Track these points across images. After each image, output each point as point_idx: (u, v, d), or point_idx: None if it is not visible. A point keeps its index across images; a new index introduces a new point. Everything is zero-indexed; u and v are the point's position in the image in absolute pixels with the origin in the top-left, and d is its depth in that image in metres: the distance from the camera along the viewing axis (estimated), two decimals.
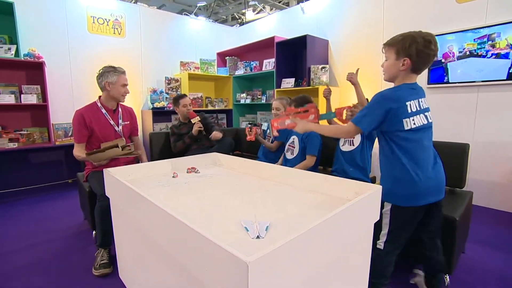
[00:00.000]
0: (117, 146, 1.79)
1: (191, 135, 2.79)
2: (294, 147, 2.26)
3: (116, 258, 1.64)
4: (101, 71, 1.99)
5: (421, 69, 1.22)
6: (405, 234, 1.28)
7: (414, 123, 1.19)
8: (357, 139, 1.98)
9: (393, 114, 1.18)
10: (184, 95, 2.98)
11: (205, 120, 2.98)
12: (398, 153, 1.20)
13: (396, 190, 1.23)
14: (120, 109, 2.14)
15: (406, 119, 1.19)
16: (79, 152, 1.97)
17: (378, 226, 1.24)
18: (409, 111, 1.19)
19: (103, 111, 2.04)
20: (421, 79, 2.91)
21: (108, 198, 1.57)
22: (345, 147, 2.04)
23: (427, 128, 1.23)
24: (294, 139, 2.27)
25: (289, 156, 2.29)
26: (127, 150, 1.89)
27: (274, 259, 0.62)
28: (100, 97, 2.07)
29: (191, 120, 2.81)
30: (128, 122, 2.20)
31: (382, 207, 1.23)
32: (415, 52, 1.15)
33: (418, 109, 1.21)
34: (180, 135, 2.88)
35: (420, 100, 1.22)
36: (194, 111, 2.94)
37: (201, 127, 2.79)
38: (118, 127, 2.09)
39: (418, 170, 1.19)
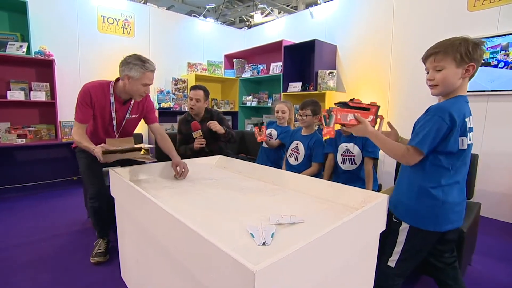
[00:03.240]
0: (140, 149, 1.63)
1: (192, 148, 2.36)
2: (298, 153, 2.19)
3: (113, 250, 1.66)
4: (128, 59, 1.67)
5: (474, 75, 1.09)
6: (418, 259, 1.18)
7: (468, 143, 1.07)
8: (359, 158, 1.91)
9: (454, 131, 1.03)
10: (195, 87, 2.43)
11: (230, 140, 2.41)
12: (439, 172, 1.07)
13: (420, 211, 1.10)
14: (132, 102, 1.87)
15: (463, 137, 1.05)
16: (79, 134, 1.69)
17: (391, 243, 1.17)
18: (467, 128, 1.06)
19: (112, 99, 1.77)
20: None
21: (100, 199, 1.63)
22: (346, 166, 1.96)
23: (470, 148, 1.12)
24: (298, 144, 2.20)
25: (292, 161, 2.21)
26: (143, 156, 1.69)
27: (280, 268, 0.61)
28: (117, 81, 1.79)
29: (193, 133, 2.30)
30: (137, 116, 1.94)
31: (399, 223, 1.16)
32: (480, 57, 1.03)
33: (471, 126, 1.09)
34: (187, 135, 2.42)
35: (471, 117, 1.10)
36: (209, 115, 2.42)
37: (202, 144, 2.30)
38: (117, 121, 1.85)
39: (454, 193, 1.09)
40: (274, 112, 2.56)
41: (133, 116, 1.91)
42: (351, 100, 1.22)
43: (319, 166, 2.10)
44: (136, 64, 1.65)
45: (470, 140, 1.09)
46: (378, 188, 2.08)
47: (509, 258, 1.97)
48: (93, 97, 1.73)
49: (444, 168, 1.07)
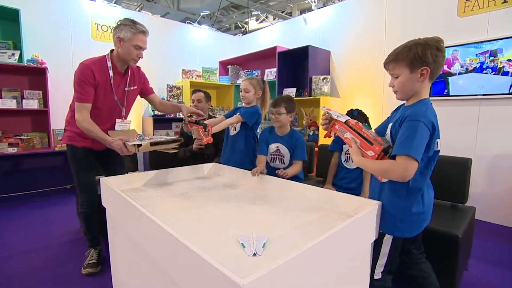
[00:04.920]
0: (171, 141, 1.59)
1: (191, 149, 2.42)
2: (283, 156, 1.99)
3: (105, 261, 1.63)
4: (118, 22, 1.65)
5: (437, 75, 1.07)
6: (400, 260, 1.20)
7: (439, 144, 1.07)
8: None
9: (433, 136, 1.01)
10: (196, 90, 2.57)
11: (220, 136, 2.38)
12: (421, 178, 1.05)
13: (406, 220, 1.08)
14: (129, 73, 1.77)
15: (438, 139, 1.05)
16: (88, 121, 1.58)
17: (374, 254, 1.14)
18: (438, 129, 1.06)
19: (111, 73, 1.66)
20: None
21: (92, 205, 1.66)
22: (350, 163, 1.97)
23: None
24: (279, 147, 1.99)
25: (278, 165, 2.01)
26: (171, 147, 1.64)
27: (269, 280, 0.59)
28: (111, 52, 1.70)
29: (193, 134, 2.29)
30: (135, 88, 1.84)
31: (382, 235, 1.13)
32: (431, 57, 1.01)
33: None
34: (187, 138, 2.38)
35: None
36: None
37: (201, 145, 2.36)
38: (119, 95, 1.74)
39: (430, 198, 1.11)
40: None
41: (132, 88, 1.80)
42: (354, 120, 1.16)
43: (302, 164, 1.93)
44: (127, 25, 1.62)
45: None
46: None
47: (506, 262, 1.96)
48: (96, 75, 1.60)
49: (424, 174, 1.07)
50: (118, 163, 1.95)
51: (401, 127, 1.03)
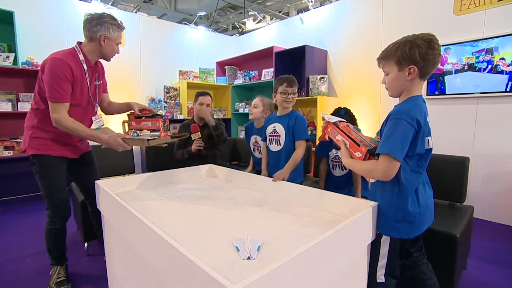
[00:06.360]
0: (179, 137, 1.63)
1: (190, 151, 2.39)
2: (279, 136, 1.88)
3: (103, 265, 1.59)
4: (102, 18, 1.54)
5: (429, 73, 1.05)
6: (401, 262, 1.17)
7: (431, 142, 1.06)
8: None
9: (420, 133, 1.00)
10: (205, 93, 2.49)
11: (219, 136, 2.43)
12: (413, 178, 1.04)
13: (401, 221, 1.05)
14: (98, 65, 1.68)
15: (428, 136, 1.04)
16: (72, 120, 1.46)
17: (374, 257, 1.13)
18: (429, 126, 1.05)
19: (84, 66, 1.54)
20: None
21: (64, 220, 1.61)
22: (337, 172, 1.94)
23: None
24: (276, 126, 1.89)
25: (274, 148, 1.92)
26: (166, 142, 1.60)
27: (262, 285, 0.58)
28: (80, 44, 1.58)
29: (191, 135, 2.28)
30: (102, 82, 1.73)
31: (379, 236, 1.12)
32: (419, 56, 0.99)
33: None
34: (185, 139, 2.41)
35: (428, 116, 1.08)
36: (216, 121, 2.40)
37: (200, 146, 2.34)
38: (92, 90, 1.63)
39: (427, 197, 1.09)
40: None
41: (100, 82, 1.70)
42: (344, 123, 1.19)
43: (305, 144, 1.80)
44: (114, 24, 1.57)
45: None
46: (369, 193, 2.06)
47: (504, 261, 1.95)
48: (74, 71, 1.48)
49: (416, 172, 1.05)
50: (92, 172, 1.80)
51: (385, 126, 1.04)
